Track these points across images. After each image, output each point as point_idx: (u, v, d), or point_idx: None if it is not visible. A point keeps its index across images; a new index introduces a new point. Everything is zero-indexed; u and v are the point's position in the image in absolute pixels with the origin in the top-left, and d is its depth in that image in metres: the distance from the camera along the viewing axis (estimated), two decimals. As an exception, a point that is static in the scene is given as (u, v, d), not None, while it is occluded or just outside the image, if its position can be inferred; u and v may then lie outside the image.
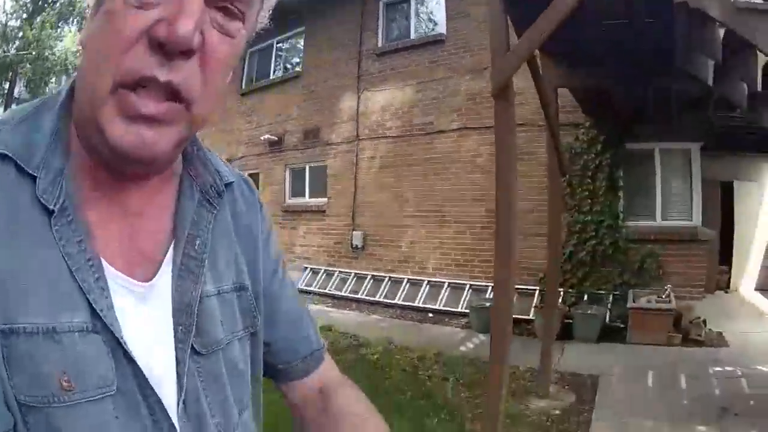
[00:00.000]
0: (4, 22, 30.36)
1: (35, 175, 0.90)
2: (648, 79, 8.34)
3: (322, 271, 15.44)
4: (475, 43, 12.98)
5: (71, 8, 31.93)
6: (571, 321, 10.78)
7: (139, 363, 0.93)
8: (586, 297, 11.64)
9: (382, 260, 14.64)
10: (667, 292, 10.88)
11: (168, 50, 0.86)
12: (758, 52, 5.94)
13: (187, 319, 1.02)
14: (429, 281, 13.44)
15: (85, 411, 0.87)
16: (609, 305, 11.48)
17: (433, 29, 14.77)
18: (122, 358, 0.92)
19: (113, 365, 0.91)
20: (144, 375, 0.94)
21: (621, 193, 12.07)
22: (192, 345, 1.02)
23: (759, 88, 5.59)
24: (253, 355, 1.21)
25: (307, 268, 15.82)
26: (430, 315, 12.70)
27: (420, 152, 14.25)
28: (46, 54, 31.59)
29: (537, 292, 11.79)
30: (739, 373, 8.77)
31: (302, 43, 17.73)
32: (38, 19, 30.84)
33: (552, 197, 8.39)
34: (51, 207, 0.89)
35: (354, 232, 15.08)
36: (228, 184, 1.20)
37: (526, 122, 11.56)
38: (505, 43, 5.41)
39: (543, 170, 9.53)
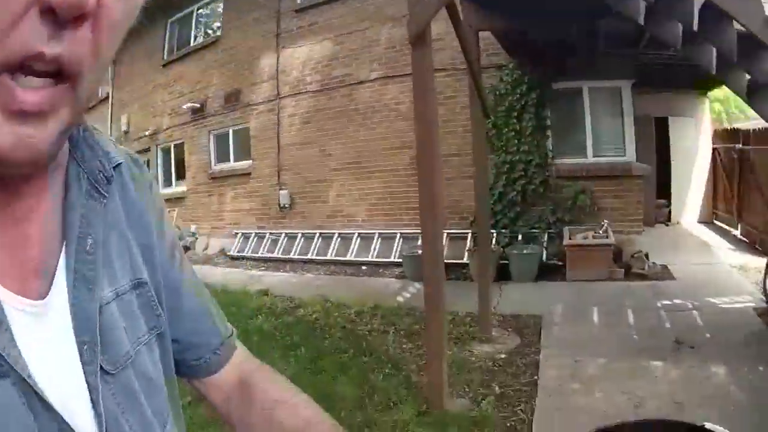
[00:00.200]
0: None
1: None
2: (574, 18, 8.33)
3: (253, 234, 15.29)
4: (395, -9, 12.92)
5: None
6: (507, 262, 10.85)
7: (50, 401, 0.78)
8: (520, 237, 11.74)
9: (311, 217, 14.60)
10: (604, 227, 11.04)
11: (61, 17, 0.69)
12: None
13: (91, 335, 0.87)
14: (359, 234, 13.46)
15: None
16: (545, 244, 11.63)
17: (350, -20, 14.69)
18: (36, 401, 0.77)
19: (28, 412, 0.76)
20: (63, 419, 0.79)
21: (549, 132, 12.21)
22: (101, 365, 0.88)
23: (696, 26, 5.57)
24: (164, 357, 1.07)
25: (238, 233, 15.66)
26: (364, 268, 12.74)
27: (341, 105, 14.22)
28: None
29: (470, 235, 11.88)
30: (690, 306, 8.88)
31: (222, 7, 17.36)
32: None
33: (476, 140, 8.36)
34: None
35: (281, 192, 14.96)
36: (116, 166, 1.03)
37: (447, 67, 11.73)
38: (421, -10, 5.32)
39: (466, 114, 9.48)
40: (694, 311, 8.70)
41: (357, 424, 5.87)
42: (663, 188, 15.59)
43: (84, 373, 0.86)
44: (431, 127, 5.73)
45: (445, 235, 11.27)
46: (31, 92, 0.71)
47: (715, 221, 15.83)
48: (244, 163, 16.29)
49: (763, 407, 6.00)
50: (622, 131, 12.26)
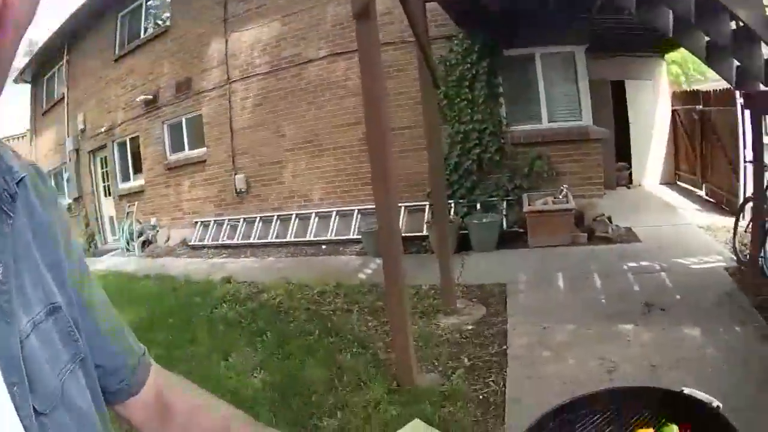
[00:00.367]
0: None
1: None
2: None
3: (212, 222, 15.14)
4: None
5: None
6: (467, 232, 10.82)
7: None
8: (478, 206, 11.68)
9: (268, 200, 14.52)
10: (563, 192, 11.02)
11: None
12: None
13: (18, 375, 0.77)
14: (317, 213, 13.38)
15: None
16: (504, 211, 11.61)
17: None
18: None
19: None
20: None
21: (502, 100, 12.18)
22: (33, 406, 0.78)
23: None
24: (90, 385, 0.96)
25: (197, 222, 15.48)
26: (324, 247, 12.67)
27: (291, 85, 14.10)
28: None
29: (427, 207, 11.76)
30: (658, 268, 8.87)
31: None
32: None
33: (427, 111, 8.25)
34: None
35: (236, 177, 14.84)
36: (20, 181, 0.90)
37: (395, 40, 11.72)
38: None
39: (417, 86, 9.30)
40: (663, 273, 8.68)
41: (329, 406, 5.82)
42: (623, 151, 15.69)
43: (19, 417, 0.76)
44: (379, 101, 5.64)
45: (402, 208, 11.46)
46: None
47: (678, 182, 15.88)
48: (198, 151, 16.10)
49: (742, 368, 5.95)
50: (577, 96, 12.26)
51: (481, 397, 5.89)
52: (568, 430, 3.48)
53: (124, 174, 18.97)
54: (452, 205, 11.45)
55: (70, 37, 19.83)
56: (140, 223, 16.83)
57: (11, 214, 0.86)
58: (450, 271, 8.08)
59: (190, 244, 15.09)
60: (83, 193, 21.11)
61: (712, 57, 6.22)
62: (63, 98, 20.95)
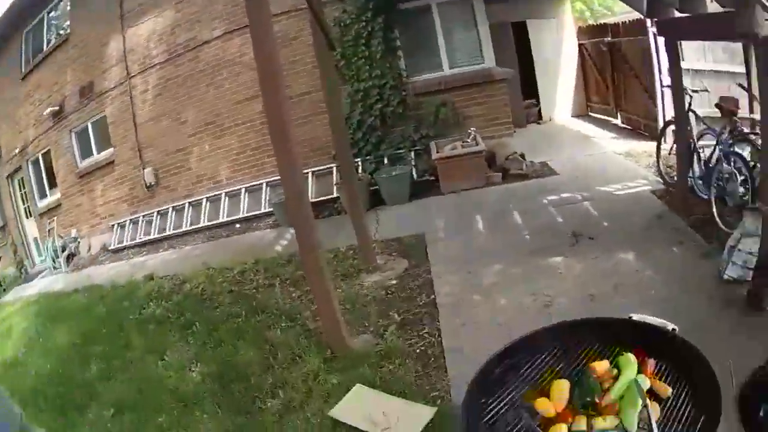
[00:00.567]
0: None
1: None
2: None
3: (128, 222, 14.56)
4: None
5: None
6: (377, 187, 10.65)
7: None
8: (386, 160, 11.55)
9: (178, 189, 14.09)
10: (472, 135, 10.95)
11: None
12: None
13: None
14: (226, 193, 13.03)
15: None
16: (413, 162, 11.49)
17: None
18: None
19: None
20: None
21: (400, 53, 12.05)
22: None
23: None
24: None
25: (114, 225, 14.89)
26: (237, 226, 12.34)
27: (189, 70, 13.70)
28: None
29: (334, 169, 11.59)
30: (580, 198, 8.82)
31: (69, 4, 16.21)
32: None
33: (324, 73, 7.94)
34: None
35: (144, 171, 14.30)
36: None
37: (290, 9, 11.59)
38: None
39: (313, 52, 9.00)
40: (586, 202, 8.63)
41: (268, 387, 5.61)
42: (530, 89, 15.68)
43: None
44: (274, 71, 5.42)
45: (309, 174, 11.28)
46: None
47: (591, 113, 15.92)
48: (106, 153, 15.45)
49: (685, 288, 5.88)
50: (478, 40, 12.23)
51: (418, 351, 5.74)
52: (516, 374, 3.32)
53: (41, 191, 18.14)
54: (359, 162, 11.28)
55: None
56: (62, 237, 16.11)
57: None
58: (366, 229, 7.92)
59: (110, 248, 14.51)
60: (7, 220, 20.28)
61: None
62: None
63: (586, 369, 3.28)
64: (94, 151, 15.90)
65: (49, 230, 16.84)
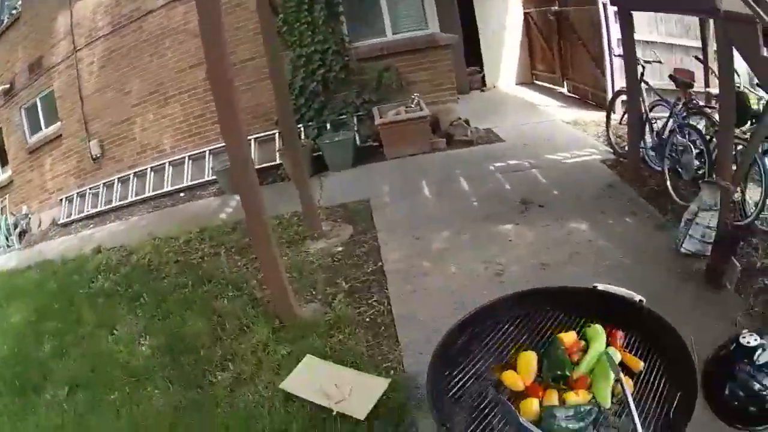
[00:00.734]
0: None
1: None
2: None
3: (75, 195, 13.83)
4: None
5: None
6: (320, 153, 10.20)
7: None
8: (329, 126, 11.09)
9: (123, 159, 13.39)
10: (415, 101, 10.54)
11: None
12: None
13: None
14: (170, 162, 12.39)
15: None
16: (356, 128, 11.07)
17: None
18: None
19: None
20: None
21: (343, 18, 11.49)
22: None
23: None
24: None
25: (62, 199, 14.13)
26: (182, 195, 11.71)
27: (133, 40, 12.98)
28: None
29: (277, 135, 11.06)
30: (527, 165, 8.51)
31: None
32: None
33: (267, 39, 7.46)
34: None
35: (90, 143, 13.59)
36: None
37: None
38: None
39: (256, 18, 8.51)
40: (534, 170, 8.32)
41: (218, 359, 5.23)
42: (475, 57, 15.33)
43: None
44: (218, 38, 5.00)
45: (252, 141, 10.72)
46: None
47: (536, 82, 15.55)
48: (54, 127, 14.72)
49: (641, 259, 5.68)
50: (421, 6, 11.80)
51: (368, 319, 5.41)
52: (479, 344, 3.11)
53: (-7, 169, 17.30)
54: (302, 128, 10.80)
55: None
56: (14, 215, 15.36)
57: None
58: (310, 195, 7.49)
59: (59, 223, 13.72)
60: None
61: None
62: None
63: (553, 340, 3.04)
64: (43, 126, 15.21)
65: (1, 208, 16.11)
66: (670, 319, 2.88)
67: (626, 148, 8.08)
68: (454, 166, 9.07)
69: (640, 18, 8.79)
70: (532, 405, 2.67)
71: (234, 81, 5.25)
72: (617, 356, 2.90)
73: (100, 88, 13.60)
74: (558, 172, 8.20)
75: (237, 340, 5.46)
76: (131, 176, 12.72)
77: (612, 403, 2.69)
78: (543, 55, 14.93)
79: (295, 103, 10.56)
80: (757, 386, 3.47)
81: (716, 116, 6.31)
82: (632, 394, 2.59)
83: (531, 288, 3.34)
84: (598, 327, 3.17)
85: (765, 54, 4.15)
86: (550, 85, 14.46)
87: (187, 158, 12.19)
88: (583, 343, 3.05)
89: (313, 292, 6.05)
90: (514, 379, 2.84)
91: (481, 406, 2.71)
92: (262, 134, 11.38)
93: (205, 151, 11.98)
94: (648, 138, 7.66)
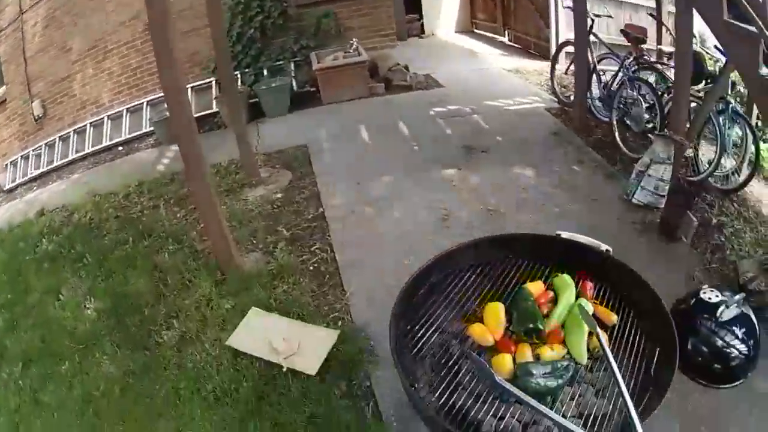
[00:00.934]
0: None
1: None
2: None
3: (19, 158, 12.75)
4: None
5: None
6: (257, 100, 9.42)
7: None
8: (266, 72, 10.33)
9: (64, 118, 12.45)
10: (354, 46, 9.88)
11: None
12: None
13: None
14: (108, 116, 11.43)
15: None
16: (293, 73, 10.35)
17: None
18: None
19: None
20: None
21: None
22: None
23: None
24: None
25: (7, 164, 13.03)
26: (120, 148, 10.74)
27: (73, -2, 11.95)
28: None
29: (214, 83, 10.33)
30: (468, 111, 7.97)
31: None
32: None
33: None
34: None
35: (33, 104, 12.60)
36: None
37: None
38: None
39: (195, -35, 7.79)
40: (476, 115, 7.77)
41: (162, 317, 4.69)
42: (414, 4, 14.43)
43: None
44: None
45: (190, 89, 9.87)
46: None
47: (476, 30, 14.78)
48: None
49: (590, 208, 5.39)
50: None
51: (312, 268, 4.89)
52: (440, 295, 2.83)
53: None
54: (239, 75, 9.99)
55: None
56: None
57: None
58: (247, 142, 6.79)
59: (5, 189, 12.55)
60: None
61: None
62: None
63: (520, 291, 2.72)
64: (-11, 92, 14.05)
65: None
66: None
67: (571, 98, 7.69)
68: (393, 111, 8.46)
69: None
70: (505, 362, 2.38)
71: (174, 30, 4.62)
72: (590, 308, 2.59)
73: (42, 48, 12.59)
74: (500, 118, 7.70)
75: (180, 296, 4.90)
76: (71, 133, 11.77)
77: (588, 359, 2.45)
78: (484, 4, 14.19)
79: (232, 50, 9.85)
80: (719, 342, 3.43)
81: (668, 73, 6.21)
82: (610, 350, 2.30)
83: (492, 235, 3.05)
84: (567, 277, 2.81)
85: (726, 17, 3.83)
86: (491, 34, 13.73)
87: (125, 111, 11.27)
88: (551, 293, 2.75)
89: (254, 242, 5.48)
90: (482, 333, 2.53)
91: (449, 363, 2.46)
92: (200, 83, 10.57)
93: (143, 103, 11.08)
94: (595, 89, 7.32)
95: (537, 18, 10.86)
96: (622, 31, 6.94)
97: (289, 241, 5.36)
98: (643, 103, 6.23)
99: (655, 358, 2.38)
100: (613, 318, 2.61)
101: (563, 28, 9.64)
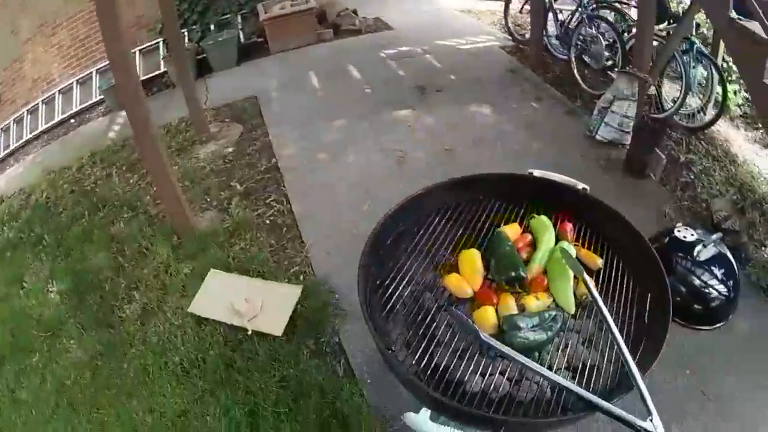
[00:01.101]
0: None
1: None
2: None
3: (-24, 148, 12.11)
4: None
5: None
6: (205, 56, 8.74)
7: None
8: (213, 27, 9.56)
9: (16, 101, 11.51)
10: (302, -6, 9.03)
11: None
12: None
13: None
14: (59, 91, 10.69)
15: None
16: (240, 26, 9.58)
17: None
18: None
19: None
20: None
21: None
22: None
23: None
24: None
25: (-36, 155, 12.49)
26: (73, 121, 10.04)
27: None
28: None
29: (161, 43, 9.56)
30: (420, 51, 7.38)
31: None
32: None
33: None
34: None
35: (-15, 92, 11.73)
36: None
37: None
38: None
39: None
40: (427, 55, 7.18)
41: (123, 291, 4.18)
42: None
43: None
44: None
45: (137, 52, 9.29)
46: None
47: None
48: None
49: (551, 144, 5.04)
50: None
51: (268, 221, 4.39)
52: (408, 244, 2.41)
53: None
54: (185, 33, 9.30)
55: None
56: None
57: None
58: (196, 99, 6.14)
59: None
60: None
61: None
62: None
63: (497, 235, 2.34)
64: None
65: None
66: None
67: (526, 36, 7.23)
68: (343, 56, 7.82)
69: None
70: (488, 315, 2.02)
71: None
72: (572, 251, 2.12)
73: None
74: (454, 57, 7.14)
75: (138, 266, 4.40)
76: (24, 114, 10.98)
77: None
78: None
79: (179, 8, 9.15)
80: (697, 282, 3.29)
81: (628, 11, 5.99)
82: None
83: (459, 177, 2.58)
84: (544, 218, 2.29)
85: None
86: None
87: (75, 83, 10.55)
88: (529, 237, 2.28)
89: (208, 200, 4.95)
90: (459, 284, 2.08)
91: (425, 318, 2.08)
92: (147, 45, 9.85)
93: (91, 72, 10.35)
94: (551, 27, 6.86)
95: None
96: None
97: (244, 195, 4.84)
98: (602, 40, 5.92)
99: (648, 305, 2.06)
100: (598, 261, 2.25)
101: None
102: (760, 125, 5.21)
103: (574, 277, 2.10)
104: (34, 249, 5.43)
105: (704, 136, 5.11)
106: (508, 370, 1.95)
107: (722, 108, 4.94)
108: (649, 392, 1.70)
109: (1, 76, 11.67)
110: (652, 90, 5.22)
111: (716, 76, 4.94)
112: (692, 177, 4.55)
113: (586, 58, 6.21)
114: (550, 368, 1.88)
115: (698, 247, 3.30)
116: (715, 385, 3.02)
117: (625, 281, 2.19)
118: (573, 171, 2.98)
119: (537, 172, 2.63)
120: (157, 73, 9.29)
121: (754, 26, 3.02)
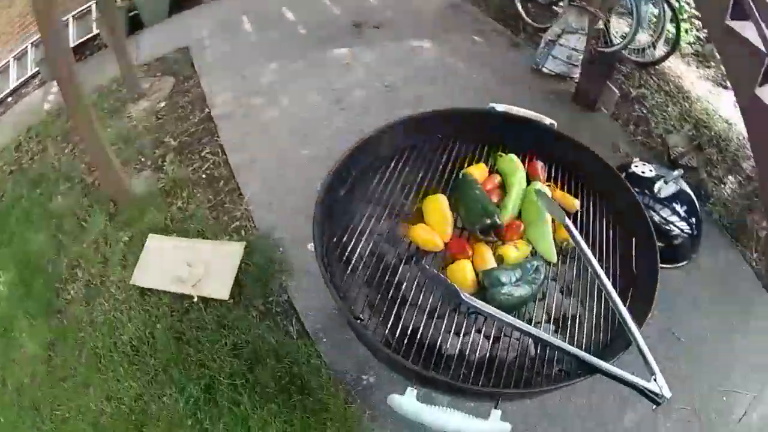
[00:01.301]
0: None
1: None
2: None
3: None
4: None
5: None
6: (137, 12, 7.84)
7: None
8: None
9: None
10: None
11: None
12: None
13: None
14: (-3, 72, 9.89)
15: None
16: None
17: None
18: None
19: None
20: None
21: None
22: None
23: None
24: None
25: None
26: (10, 99, 8.77)
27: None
28: None
29: (94, 5, 8.49)
30: None
31: None
32: None
33: None
34: None
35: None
36: None
37: None
38: None
39: None
40: None
41: (66, 271, 3.65)
42: None
43: None
44: None
45: (70, 18, 8.44)
46: None
47: None
48: None
49: (499, 79, 4.58)
50: None
51: (204, 176, 3.79)
52: (364, 193, 2.02)
53: None
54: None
55: None
56: None
57: None
58: (127, 57, 5.37)
59: None
60: None
61: None
62: None
63: (464, 177, 1.91)
64: None
65: None
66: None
67: None
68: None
69: None
70: (465, 270, 1.60)
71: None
72: (548, 193, 1.82)
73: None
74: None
75: (78, 241, 3.82)
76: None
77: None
78: None
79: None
80: (657, 218, 3.04)
81: None
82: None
83: (416, 114, 2.15)
84: (513, 157, 1.69)
85: None
86: None
87: (11, 59, 9.78)
88: (497, 178, 1.94)
89: (142, 159, 4.30)
90: (427, 236, 1.72)
91: (389, 276, 1.68)
92: (79, 9, 8.76)
93: (26, 46, 9.55)
94: None
95: None
96: None
97: (178, 150, 4.20)
98: (548, -26, 5.34)
99: (635, 254, 1.76)
100: (576, 203, 1.86)
101: None
102: (712, 63, 5.00)
103: (552, 220, 1.69)
104: (-23, 244, 4.77)
105: (655, 72, 4.78)
106: (484, 327, 1.56)
107: (675, 45, 4.65)
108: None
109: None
110: (600, 24, 4.80)
111: (668, 13, 4.56)
112: (645, 112, 4.28)
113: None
114: (529, 322, 1.52)
115: (658, 183, 3.01)
116: (684, 325, 2.85)
117: (604, 224, 1.85)
118: (520, 104, 2.55)
119: (499, 107, 2.15)
120: (90, 36, 8.49)
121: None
